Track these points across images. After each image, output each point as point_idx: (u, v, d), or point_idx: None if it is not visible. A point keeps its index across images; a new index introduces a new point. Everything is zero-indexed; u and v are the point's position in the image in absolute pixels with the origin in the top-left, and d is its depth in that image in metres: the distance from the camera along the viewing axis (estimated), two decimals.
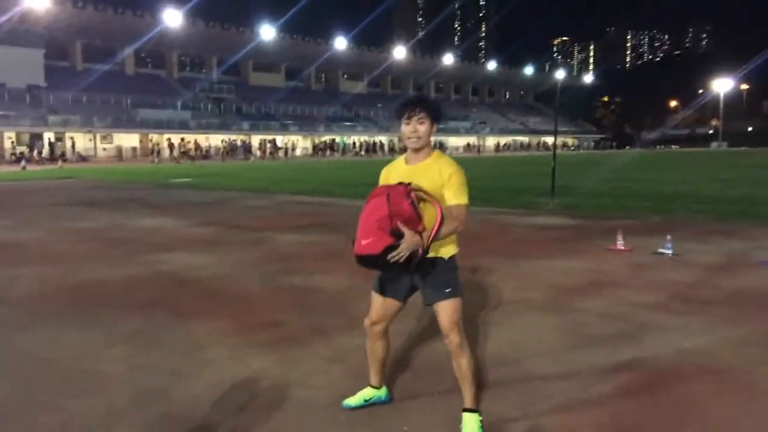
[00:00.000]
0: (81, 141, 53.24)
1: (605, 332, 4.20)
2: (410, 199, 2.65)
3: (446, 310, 2.81)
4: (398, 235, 2.58)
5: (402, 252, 2.57)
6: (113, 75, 64.71)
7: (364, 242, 2.64)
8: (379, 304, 2.96)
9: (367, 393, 3.11)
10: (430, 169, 2.82)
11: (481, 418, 2.82)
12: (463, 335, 2.82)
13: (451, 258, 2.89)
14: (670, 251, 6.82)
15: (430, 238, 2.66)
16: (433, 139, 2.95)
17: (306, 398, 3.18)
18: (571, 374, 3.46)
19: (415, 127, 2.81)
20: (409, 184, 2.72)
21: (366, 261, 2.67)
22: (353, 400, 3.09)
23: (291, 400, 3.16)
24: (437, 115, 2.87)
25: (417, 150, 2.86)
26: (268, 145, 58.53)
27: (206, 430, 2.87)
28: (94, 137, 55.25)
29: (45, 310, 4.91)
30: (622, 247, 7.16)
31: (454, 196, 2.78)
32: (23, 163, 36.52)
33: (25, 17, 53.76)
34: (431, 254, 2.73)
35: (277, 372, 3.53)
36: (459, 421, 2.80)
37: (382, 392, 3.13)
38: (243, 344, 4.03)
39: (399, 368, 3.54)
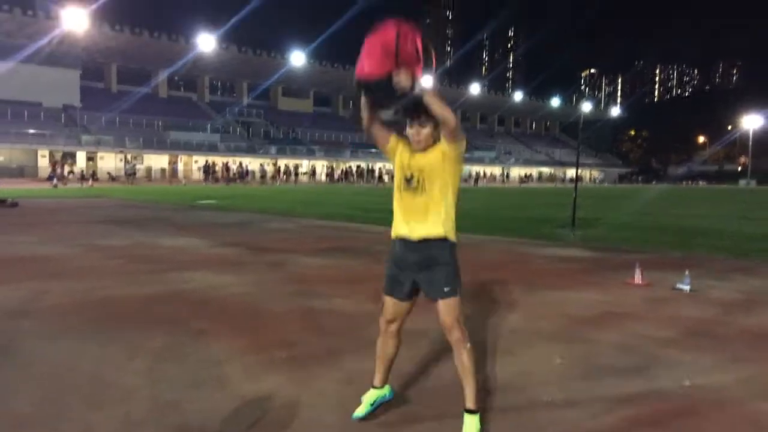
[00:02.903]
0: (112, 161, 54.38)
1: (615, 364, 4.23)
2: (416, 41, 2.84)
3: (444, 308, 3.01)
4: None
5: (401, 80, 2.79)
6: (146, 97, 66.30)
7: (367, 65, 2.83)
8: (391, 305, 3.15)
9: (370, 396, 3.23)
10: (435, 149, 3.03)
11: (480, 421, 2.93)
12: (464, 331, 3.00)
13: (448, 243, 3.05)
14: (688, 287, 6.80)
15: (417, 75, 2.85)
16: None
17: (315, 417, 3.26)
18: (578, 403, 3.51)
19: (417, 131, 3.00)
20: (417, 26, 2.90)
21: (365, 84, 2.88)
22: (361, 410, 3.21)
23: (301, 418, 3.25)
24: None
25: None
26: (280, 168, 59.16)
27: None
28: (125, 157, 56.41)
29: (70, 323, 5.08)
30: (640, 281, 7.15)
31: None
32: (55, 180, 37.39)
33: (64, 39, 55.55)
34: (431, 235, 2.99)
35: (289, 391, 3.63)
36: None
37: (385, 390, 3.30)
38: (258, 362, 4.14)
39: (407, 384, 3.62)
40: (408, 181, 3.06)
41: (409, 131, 3.02)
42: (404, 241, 3.07)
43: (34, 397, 3.47)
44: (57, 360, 4.14)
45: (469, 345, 3.00)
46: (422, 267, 3.03)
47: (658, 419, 3.31)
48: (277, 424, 3.17)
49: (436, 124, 2.97)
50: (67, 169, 46.29)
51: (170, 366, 4.03)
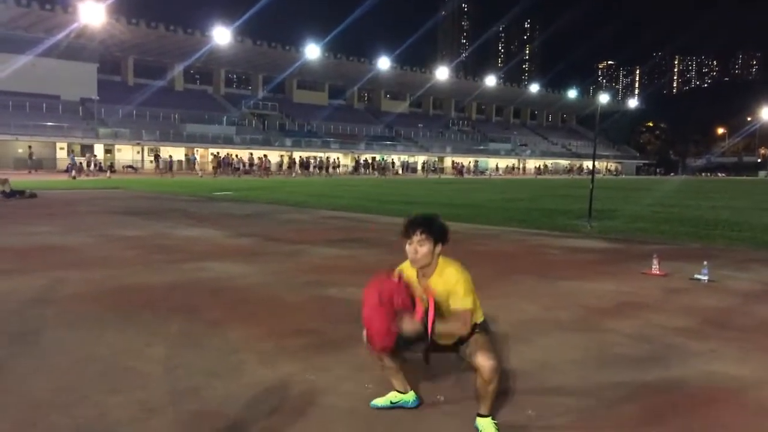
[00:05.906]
0: (129, 153, 54.81)
1: (633, 353, 4.21)
2: (401, 293, 2.90)
3: (476, 343, 2.98)
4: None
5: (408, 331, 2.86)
6: (163, 90, 66.67)
7: (378, 343, 2.96)
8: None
9: (393, 396, 3.23)
10: (438, 283, 3.01)
11: (496, 421, 2.92)
12: (498, 360, 2.95)
13: (481, 323, 3.11)
14: (706, 277, 6.73)
15: (430, 324, 2.87)
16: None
17: (332, 403, 3.28)
18: (595, 392, 3.49)
19: (415, 248, 2.98)
20: (400, 279, 2.96)
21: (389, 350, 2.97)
22: (380, 401, 3.24)
23: (318, 404, 3.27)
24: (441, 237, 3.00)
25: (420, 268, 3.04)
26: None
27: (236, 429, 3.00)
28: (142, 150, 56.80)
29: (88, 311, 5.14)
30: (657, 272, 7.09)
31: (460, 301, 2.96)
32: (73, 172, 37.74)
33: (82, 33, 55.96)
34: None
35: (306, 378, 3.64)
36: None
37: (409, 397, 3.24)
38: (275, 350, 4.16)
39: (422, 376, 3.62)
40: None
41: (408, 248, 3.01)
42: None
43: (52, 382, 3.51)
44: (76, 346, 4.19)
45: (499, 374, 2.96)
46: None
47: (675, 408, 3.29)
48: (294, 411, 3.19)
49: (437, 240, 2.98)
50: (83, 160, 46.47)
51: (188, 353, 4.07)
